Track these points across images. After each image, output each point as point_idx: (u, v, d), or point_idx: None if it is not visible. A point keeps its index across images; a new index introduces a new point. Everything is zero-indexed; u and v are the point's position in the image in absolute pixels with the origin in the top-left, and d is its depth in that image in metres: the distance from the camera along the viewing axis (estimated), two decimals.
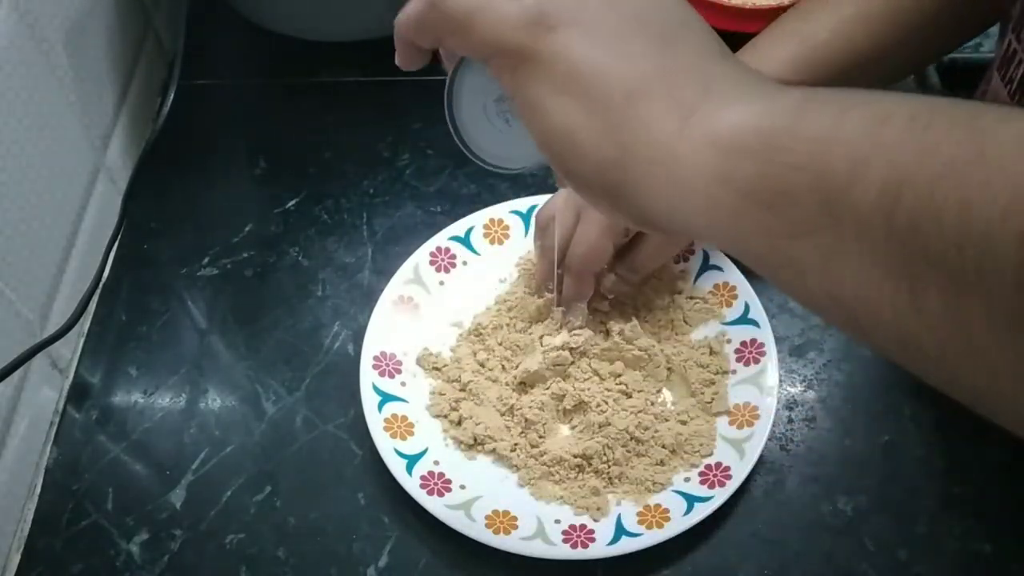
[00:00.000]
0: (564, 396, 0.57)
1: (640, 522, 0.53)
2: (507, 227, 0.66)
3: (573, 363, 0.58)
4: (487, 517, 0.53)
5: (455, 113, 0.38)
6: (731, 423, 0.56)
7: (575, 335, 0.58)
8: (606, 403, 0.57)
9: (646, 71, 0.32)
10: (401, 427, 0.56)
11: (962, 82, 0.56)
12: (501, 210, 0.66)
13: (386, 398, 0.57)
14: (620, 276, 0.60)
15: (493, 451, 0.56)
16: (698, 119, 0.31)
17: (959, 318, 0.25)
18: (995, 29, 0.57)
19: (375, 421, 0.56)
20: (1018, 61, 0.49)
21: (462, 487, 0.55)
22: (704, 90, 0.31)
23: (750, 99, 0.31)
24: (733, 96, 0.31)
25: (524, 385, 0.59)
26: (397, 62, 0.38)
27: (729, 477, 0.53)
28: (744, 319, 0.60)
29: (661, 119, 0.31)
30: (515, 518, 0.53)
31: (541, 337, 0.59)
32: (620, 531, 0.52)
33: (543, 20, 0.32)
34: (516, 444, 0.57)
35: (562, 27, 0.32)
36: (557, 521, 0.53)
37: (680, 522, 0.52)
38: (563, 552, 0.51)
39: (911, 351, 0.27)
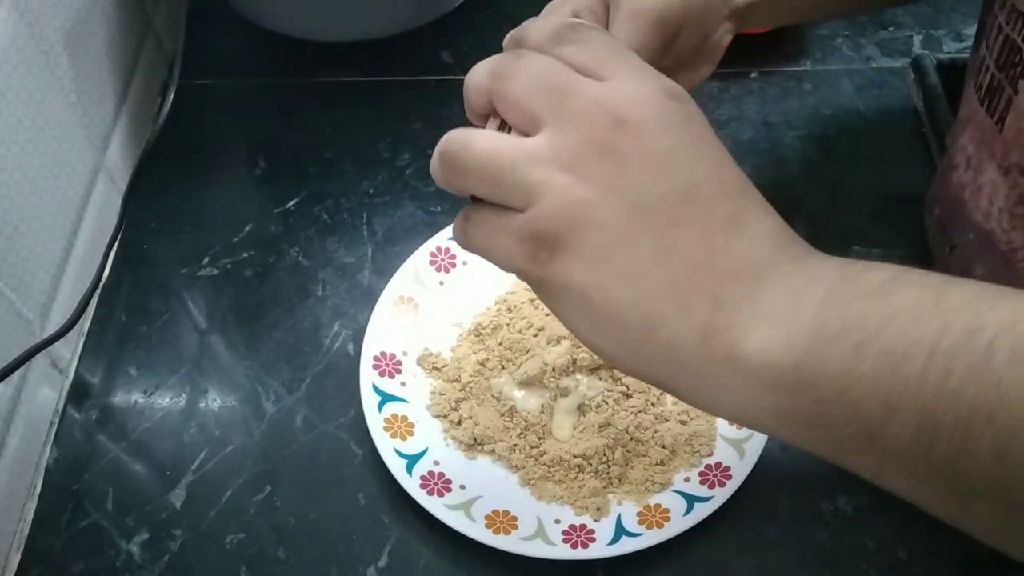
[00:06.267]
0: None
1: (640, 522, 0.53)
2: None
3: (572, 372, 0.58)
4: (487, 517, 0.53)
5: None
6: (731, 423, 0.56)
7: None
8: (606, 403, 0.57)
9: (652, 290, 0.31)
10: (401, 427, 0.56)
11: (961, 81, 0.57)
12: None
13: (386, 398, 0.57)
14: None
15: (493, 451, 0.56)
16: (720, 342, 0.31)
17: (1009, 526, 0.28)
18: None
19: (375, 421, 0.56)
20: (985, 68, 0.51)
21: (462, 487, 0.55)
22: (714, 302, 0.31)
23: (763, 317, 0.30)
24: (745, 311, 0.31)
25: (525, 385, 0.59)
26: None
27: (729, 477, 0.53)
28: None
29: (682, 342, 0.31)
30: (515, 518, 0.53)
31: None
32: (620, 531, 0.52)
33: (541, 247, 0.32)
34: (516, 444, 0.57)
35: (560, 250, 0.32)
36: (557, 521, 0.53)
37: (680, 522, 0.52)
38: (563, 552, 0.51)
39: (960, 526, 0.30)
